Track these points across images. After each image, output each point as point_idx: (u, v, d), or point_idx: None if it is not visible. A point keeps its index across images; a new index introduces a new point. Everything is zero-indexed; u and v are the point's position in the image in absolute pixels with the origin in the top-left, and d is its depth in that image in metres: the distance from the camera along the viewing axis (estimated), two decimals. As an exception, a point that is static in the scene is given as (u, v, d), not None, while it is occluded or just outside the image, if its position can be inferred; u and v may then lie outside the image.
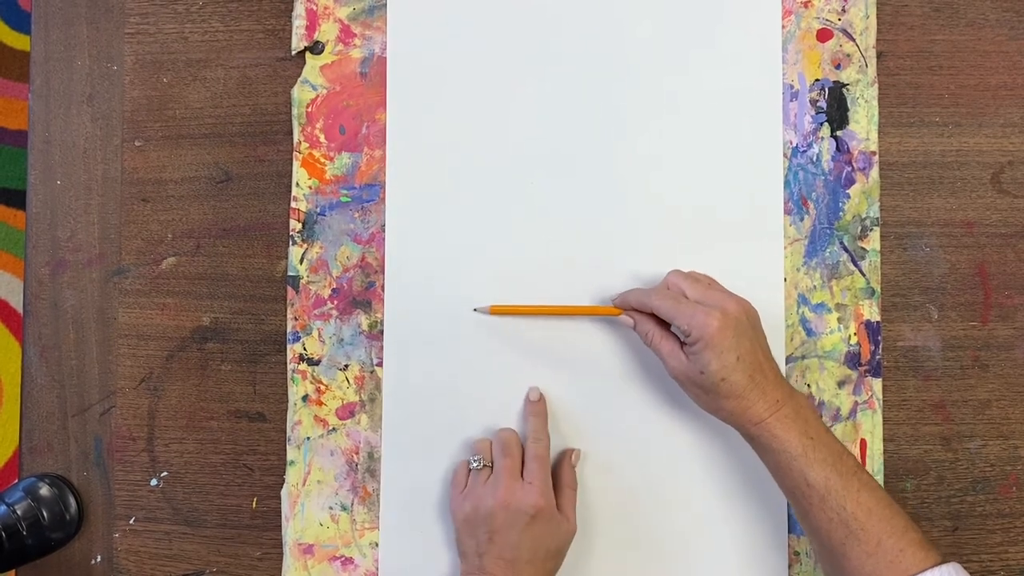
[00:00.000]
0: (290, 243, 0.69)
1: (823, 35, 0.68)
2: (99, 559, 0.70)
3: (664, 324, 0.62)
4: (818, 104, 0.67)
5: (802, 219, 0.67)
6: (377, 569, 0.67)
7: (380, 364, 0.68)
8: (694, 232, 0.67)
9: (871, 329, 0.67)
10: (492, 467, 0.63)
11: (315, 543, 0.68)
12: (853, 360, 0.67)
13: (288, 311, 0.69)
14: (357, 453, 0.68)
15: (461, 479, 0.65)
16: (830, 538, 0.55)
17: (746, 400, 0.57)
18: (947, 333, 0.67)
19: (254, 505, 0.69)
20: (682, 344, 0.60)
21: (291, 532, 0.68)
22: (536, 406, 0.65)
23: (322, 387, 0.68)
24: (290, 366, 0.68)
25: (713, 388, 0.58)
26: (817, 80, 0.68)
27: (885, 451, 0.66)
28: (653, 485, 0.67)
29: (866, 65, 0.67)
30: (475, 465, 0.64)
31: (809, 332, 0.67)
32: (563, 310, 0.67)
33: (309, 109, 0.69)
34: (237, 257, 0.70)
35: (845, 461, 0.56)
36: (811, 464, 0.56)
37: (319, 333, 0.68)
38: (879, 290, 0.67)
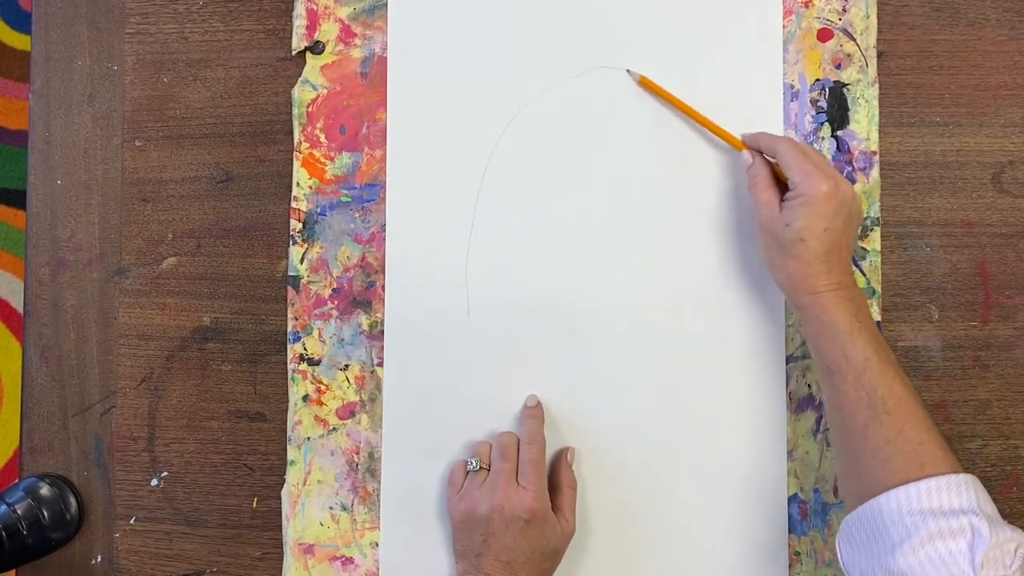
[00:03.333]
0: (290, 243, 0.69)
1: (824, 35, 0.68)
2: (99, 559, 0.70)
3: (775, 178, 0.62)
4: (819, 104, 0.67)
5: (802, 219, 0.67)
6: (377, 569, 0.67)
7: (380, 364, 0.68)
8: (695, 231, 0.67)
9: (871, 329, 0.67)
10: (489, 470, 0.64)
11: (315, 543, 0.68)
12: (853, 360, 0.67)
13: (288, 311, 0.69)
14: (357, 453, 0.68)
15: (458, 480, 0.65)
16: (854, 417, 0.55)
17: (811, 269, 0.58)
18: (947, 333, 0.67)
19: (254, 505, 0.69)
20: (782, 200, 0.60)
21: (291, 532, 0.68)
22: (533, 411, 0.65)
23: (322, 387, 0.68)
24: (290, 366, 0.68)
25: (788, 245, 0.58)
26: (818, 80, 0.67)
27: (885, 451, 0.66)
28: (652, 484, 0.66)
29: (866, 65, 0.67)
30: (472, 467, 0.64)
31: (809, 332, 0.67)
32: (699, 116, 0.66)
33: (309, 109, 0.69)
34: (237, 257, 0.70)
35: (888, 353, 0.57)
36: (855, 342, 0.56)
37: (319, 333, 0.68)
38: (879, 290, 0.67)
